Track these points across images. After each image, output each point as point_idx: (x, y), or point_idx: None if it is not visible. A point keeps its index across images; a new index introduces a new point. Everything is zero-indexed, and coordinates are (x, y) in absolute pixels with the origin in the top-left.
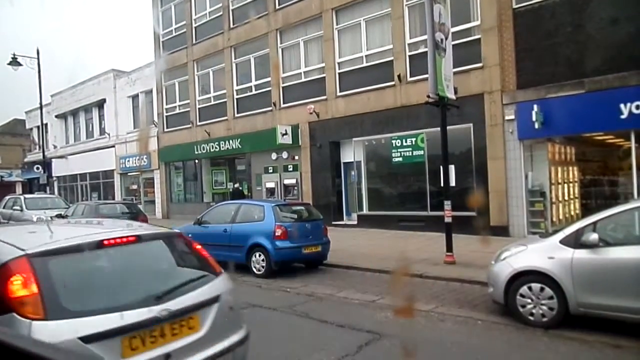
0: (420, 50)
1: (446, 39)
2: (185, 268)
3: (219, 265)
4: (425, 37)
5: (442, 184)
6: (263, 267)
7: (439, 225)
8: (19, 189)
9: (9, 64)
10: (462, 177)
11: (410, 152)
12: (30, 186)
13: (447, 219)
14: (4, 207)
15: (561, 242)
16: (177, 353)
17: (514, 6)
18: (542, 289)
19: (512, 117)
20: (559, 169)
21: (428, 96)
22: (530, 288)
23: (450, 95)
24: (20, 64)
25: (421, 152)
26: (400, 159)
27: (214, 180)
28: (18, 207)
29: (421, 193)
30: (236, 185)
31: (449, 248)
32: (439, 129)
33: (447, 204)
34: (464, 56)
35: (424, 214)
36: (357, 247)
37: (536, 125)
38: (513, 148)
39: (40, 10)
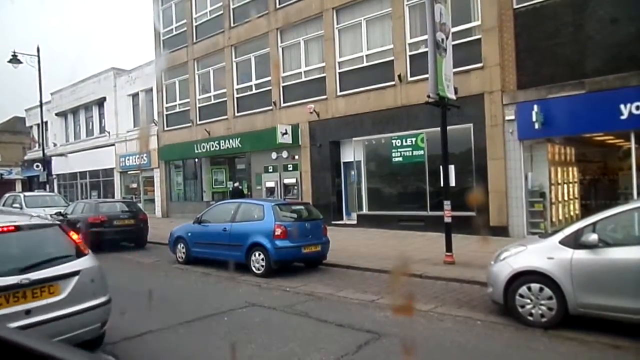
0: (420, 50)
1: (447, 38)
2: (55, 250)
3: (219, 263)
4: (425, 37)
5: (442, 184)
6: (262, 266)
7: (439, 225)
8: (18, 186)
9: (9, 61)
10: (462, 177)
11: (410, 152)
12: (30, 184)
13: (447, 219)
14: (3, 205)
15: (561, 242)
16: (37, 310)
17: (515, 6)
18: (541, 289)
19: (512, 117)
20: (559, 169)
21: (428, 96)
22: (529, 288)
23: (451, 95)
24: (20, 62)
25: (421, 152)
26: (401, 158)
27: (214, 179)
28: (17, 205)
29: (421, 193)
30: (236, 185)
31: (449, 248)
32: (439, 129)
33: (447, 204)
34: (465, 56)
35: (424, 213)
36: (357, 246)
37: (536, 126)
38: (513, 148)
39: (41, 8)
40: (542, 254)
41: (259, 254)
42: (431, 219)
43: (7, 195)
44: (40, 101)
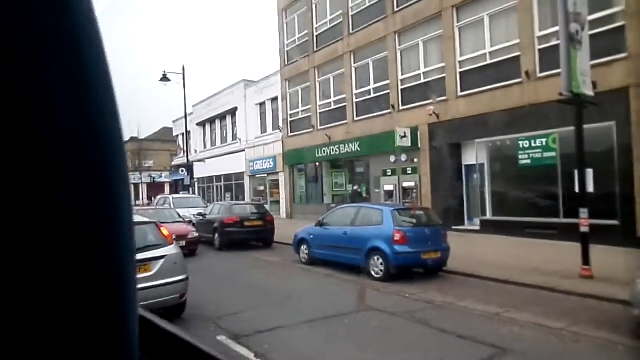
0: (551, 44)
1: (582, 29)
2: (149, 240)
3: (340, 265)
4: (557, 28)
5: (577, 189)
6: (381, 270)
7: (572, 234)
8: (167, 188)
9: (160, 80)
10: (602, 180)
11: (540, 154)
12: (176, 186)
13: (584, 228)
14: (156, 205)
15: None
16: (138, 280)
17: None
18: None
19: None
20: None
21: (560, 94)
22: None
23: (588, 91)
24: (169, 80)
25: (553, 154)
26: (529, 161)
27: (334, 182)
28: (168, 205)
29: (552, 198)
30: (355, 188)
31: (586, 260)
32: (573, 128)
33: (584, 212)
34: (605, 46)
35: (556, 221)
36: (480, 254)
37: None
38: None
39: (184, 30)
40: None
41: (378, 259)
42: (564, 226)
43: (159, 197)
44: (185, 113)
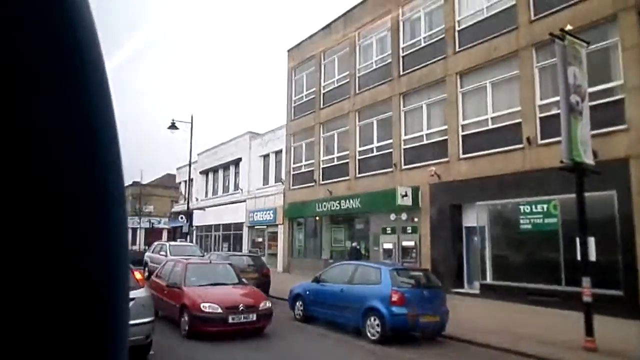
0: (552, 112)
1: (582, 101)
2: None
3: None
4: (557, 98)
5: (579, 257)
6: (378, 332)
7: (574, 303)
8: (164, 234)
9: (168, 127)
10: (605, 249)
11: (541, 219)
12: (174, 233)
13: (587, 298)
14: (152, 251)
15: None
16: None
17: None
18: None
19: None
20: None
21: (561, 162)
22: None
23: (588, 160)
24: (177, 128)
25: (554, 220)
26: (529, 225)
27: (333, 237)
28: (164, 253)
29: (554, 264)
30: (354, 244)
31: (589, 331)
32: (574, 195)
33: (586, 281)
34: (606, 117)
35: (557, 288)
36: (480, 319)
37: None
38: None
39: (196, 82)
40: None
41: (375, 319)
42: (566, 294)
43: (156, 243)
44: (190, 161)
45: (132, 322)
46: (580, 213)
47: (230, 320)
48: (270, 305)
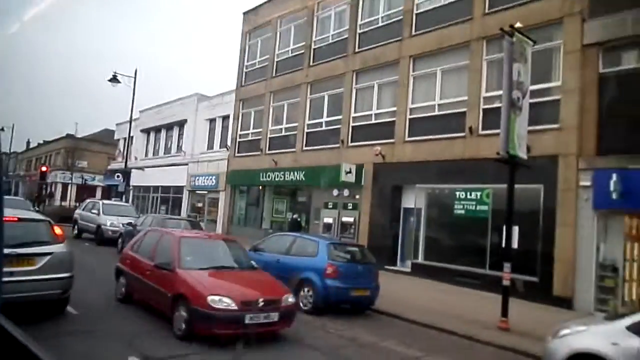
0: (495, 105)
1: (523, 97)
2: (39, 237)
3: None
4: (501, 92)
5: (503, 244)
6: (310, 302)
7: (496, 286)
8: (98, 192)
9: (109, 80)
10: (527, 239)
11: (474, 206)
12: (109, 191)
13: (506, 282)
14: (83, 209)
15: (628, 328)
16: (17, 273)
17: (601, 70)
18: None
19: (588, 183)
20: (637, 245)
21: (498, 153)
22: None
23: (522, 154)
24: (119, 82)
25: (485, 208)
26: (463, 211)
27: (275, 208)
28: (95, 211)
29: (481, 249)
30: (295, 216)
31: (504, 313)
32: (505, 186)
33: (507, 267)
34: (541, 115)
35: (482, 271)
36: (407, 296)
37: (614, 196)
38: (586, 216)
39: (138, 33)
40: (606, 337)
41: (308, 290)
42: (489, 278)
43: (88, 200)
44: (130, 118)
45: (48, 276)
46: (509, 203)
47: (247, 321)
48: (294, 300)
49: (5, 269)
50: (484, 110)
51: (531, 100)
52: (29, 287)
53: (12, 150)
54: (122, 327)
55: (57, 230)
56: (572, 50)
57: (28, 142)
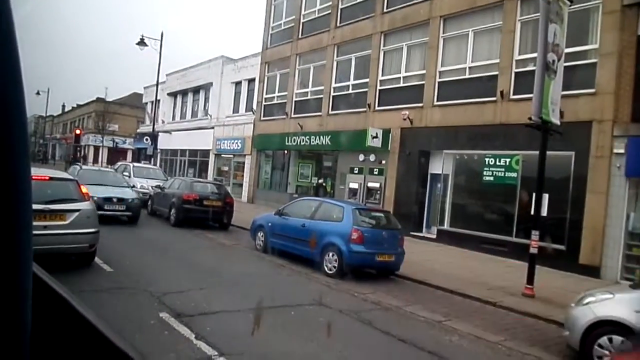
0: (528, 68)
1: (558, 60)
2: (68, 195)
3: (294, 256)
4: (535, 54)
5: (532, 212)
6: (335, 267)
7: (522, 254)
8: (129, 155)
9: (137, 43)
10: (556, 206)
11: (503, 173)
12: (139, 154)
13: (533, 249)
14: (116, 170)
15: None
16: (50, 227)
17: None
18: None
19: (622, 150)
20: None
21: (530, 118)
22: (610, 340)
23: (555, 120)
24: (146, 45)
25: (514, 174)
26: (491, 178)
27: (300, 172)
28: (127, 173)
29: (508, 216)
30: (320, 181)
31: (530, 280)
32: (537, 152)
33: (535, 234)
34: (576, 79)
35: (508, 239)
36: (432, 262)
37: None
38: (618, 184)
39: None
40: (631, 305)
41: (333, 255)
42: (515, 245)
43: (119, 163)
44: (157, 81)
45: (77, 230)
46: (540, 170)
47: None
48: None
49: (39, 223)
50: (517, 73)
51: (566, 64)
52: (62, 240)
53: (48, 114)
54: (154, 285)
55: (84, 189)
56: (611, 10)
57: (63, 106)
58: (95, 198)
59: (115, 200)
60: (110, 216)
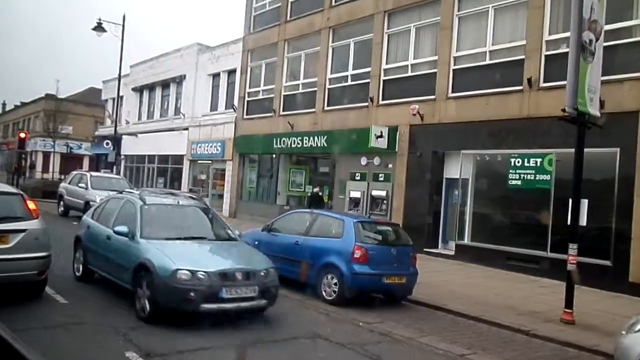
0: (560, 50)
1: (597, 40)
2: (11, 212)
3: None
4: (568, 34)
5: (569, 221)
6: (334, 292)
7: (559, 271)
8: (86, 163)
9: (93, 29)
10: (598, 214)
11: (533, 175)
12: (97, 162)
13: (571, 266)
14: (69, 183)
15: None
16: None
17: None
18: None
19: None
20: None
21: (563, 110)
22: None
23: (593, 111)
24: (104, 30)
25: (547, 177)
26: (519, 182)
27: (291, 180)
28: (83, 185)
29: (541, 227)
30: (315, 190)
31: (569, 303)
32: (573, 150)
33: (573, 248)
34: (619, 62)
35: (542, 254)
36: (451, 284)
37: None
38: None
39: None
40: None
41: (332, 278)
42: (550, 262)
43: (74, 172)
44: (119, 74)
45: (23, 255)
46: (577, 171)
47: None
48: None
49: None
50: (547, 57)
51: (606, 44)
52: (3, 267)
53: None
54: (118, 318)
55: (31, 204)
56: None
57: (4, 105)
58: (202, 274)
59: (238, 276)
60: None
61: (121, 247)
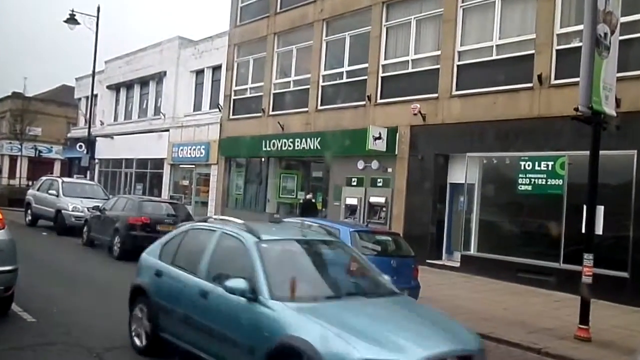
0: (573, 45)
1: (612, 33)
2: None
3: None
4: (582, 27)
5: (583, 229)
6: None
7: (573, 284)
8: (57, 168)
9: (65, 21)
10: (616, 221)
11: (544, 180)
12: (70, 166)
13: (586, 278)
14: (38, 190)
15: None
16: None
17: None
18: None
19: None
20: None
21: (576, 109)
22: None
23: (609, 110)
24: (78, 23)
25: (559, 182)
26: (529, 187)
27: (282, 186)
28: (54, 192)
29: (553, 237)
30: (308, 197)
31: (584, 318)
32: (587, 152)
33: (588, 258)
34: (636, 57)
35: (554, 265)
36: (457, 298)
37: None
38: None
39: None
40: None
41: None
42: (564, 273)
43: (44, 178)
44: (93, 70)
45: None
46: (592, 175)
47: None
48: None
49: None
50: (558, 51)
51: (622, 37)
52: None
53: None
54: (92, 338)
55: None
56: None
57: None
58: None
59: None
60: None
61: (233, 312)
